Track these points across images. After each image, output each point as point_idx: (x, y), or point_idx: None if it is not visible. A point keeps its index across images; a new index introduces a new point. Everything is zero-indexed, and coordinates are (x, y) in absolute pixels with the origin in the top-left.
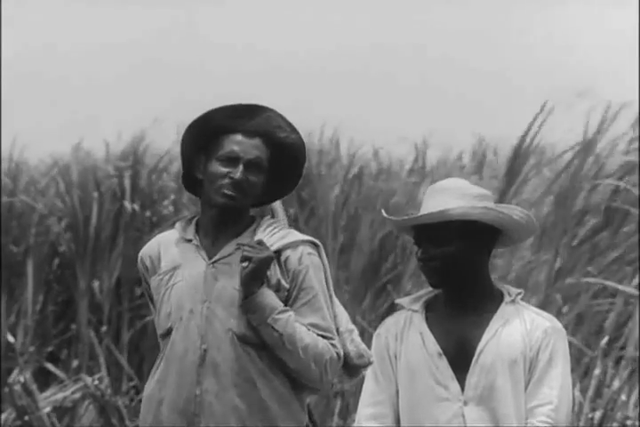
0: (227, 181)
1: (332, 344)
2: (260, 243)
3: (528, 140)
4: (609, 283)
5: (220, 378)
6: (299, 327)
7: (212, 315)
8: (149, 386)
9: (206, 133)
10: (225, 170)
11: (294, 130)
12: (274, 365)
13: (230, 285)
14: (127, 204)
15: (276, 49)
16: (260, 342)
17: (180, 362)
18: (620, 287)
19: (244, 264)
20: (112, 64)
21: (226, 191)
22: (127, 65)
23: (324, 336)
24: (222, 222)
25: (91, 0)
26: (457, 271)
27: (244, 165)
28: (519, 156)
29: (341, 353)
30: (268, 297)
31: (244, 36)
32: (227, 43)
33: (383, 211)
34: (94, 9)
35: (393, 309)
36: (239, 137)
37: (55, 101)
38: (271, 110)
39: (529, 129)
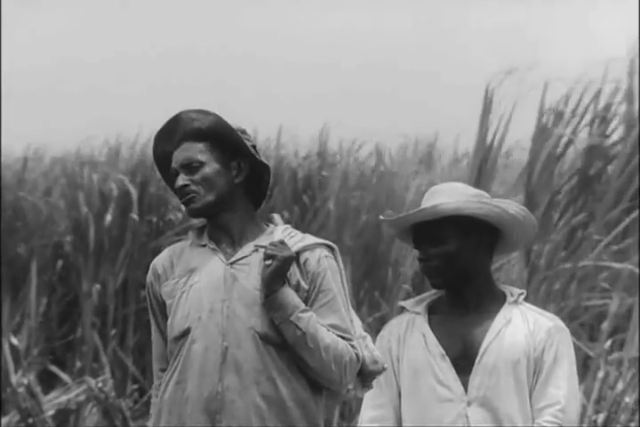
0: (179, 193)
1: (352, 345)
2: (283, 242)
3: (490, 135)
4: (605, 263)
5: (241, 376)
6: (320, 327)
7: (232, 314)
8: (168, 389)
9: (162, 164)
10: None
11: (207, 113)
12: (293, 365)
13: (250, 284)
14: (134, 215)
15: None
16: (282, 341)
17: (201, 361)
18: (618, 266)
19: (268, 262)
20: (140, 73)
21: (182, 202)
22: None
23: (342, 337)
24: (220, 226)
25: (121, 10)
26: (457, 270)
27: (181, 172)
28: (485, 150)
29: (360, 354)
30: (290, 296)
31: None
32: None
33: (381, 216)
34: (126, 19)
35: (384, 319)
36: (175, 153)
37: (76, 107)
38: (182, 113)
39: (483, 124)
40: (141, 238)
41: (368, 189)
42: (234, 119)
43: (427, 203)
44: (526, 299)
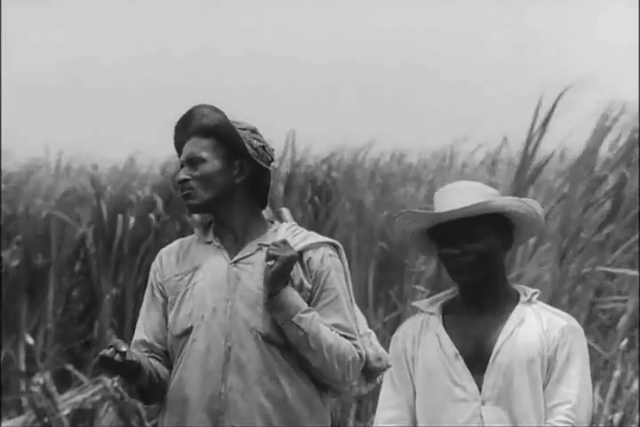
0: (179, 186)
1: (355, 345)
2: (285, 242)
3: (534, 141)
4: (618, 270)
5: (245, 376)
6: (323, 327)
7: (235, 314)
8: (171, 386)
9: (179, 155)
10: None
11: (216, 110)
12: (297, 364)
13: (253, 284)
14: (159, 209)
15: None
16: (284, 342)
17: (203, 360)
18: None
19: (270, 263)
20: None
21: (182, 196)
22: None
23: (346, 337)
24: (222, 222)
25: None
26: (488, 268)
27: (186, 166)
28: (528, 157)
29: (364, 354)
30: (293, 296)
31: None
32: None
33: (414, 209)
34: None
35: (400, 319)
36: (184, 146)
37: (97, 110)
38: (197, 106)
39: (532, 129)
40: (162, 240)
41: (384, 189)
42: (254, 119)
43: (454, 199)
44: (553, 303)
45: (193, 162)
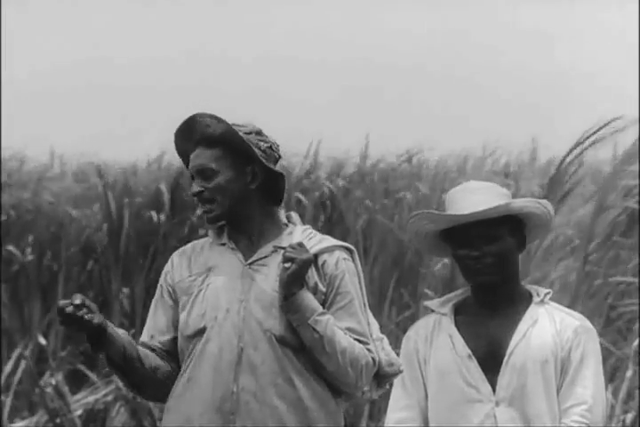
0: (195, 198)
1: (368, 349)
2: (301, 245)
3: (575, 153)
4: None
5: (258, 377)
6: (337, 331)
7: (249, 315)
8: (178, 386)
9: (187, 162)
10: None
11: (219, 119)
12: (311, 367)
13: (268, 286)
14: (154, 214)
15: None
16: (299, 344)
17: (215, 360)
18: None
19: (287, 265)
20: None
21: (199, 208)
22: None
23: (359, 341)
24: (239, 228)
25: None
26: (507, 268)
27: (197, 178)
28: (563, 169)
29: (377, 358)
30: (308, 298)
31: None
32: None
33: (431, 210)
34: (155, 19)
35: (413, 319)
36: (191, 156)
37: (107, 111)
38: (196, 115)
39: (577, 145)
40: (171, 241)
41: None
42: (263, 125)
43: (470, 200)
44: (573, 305)
45: (205, 174)
